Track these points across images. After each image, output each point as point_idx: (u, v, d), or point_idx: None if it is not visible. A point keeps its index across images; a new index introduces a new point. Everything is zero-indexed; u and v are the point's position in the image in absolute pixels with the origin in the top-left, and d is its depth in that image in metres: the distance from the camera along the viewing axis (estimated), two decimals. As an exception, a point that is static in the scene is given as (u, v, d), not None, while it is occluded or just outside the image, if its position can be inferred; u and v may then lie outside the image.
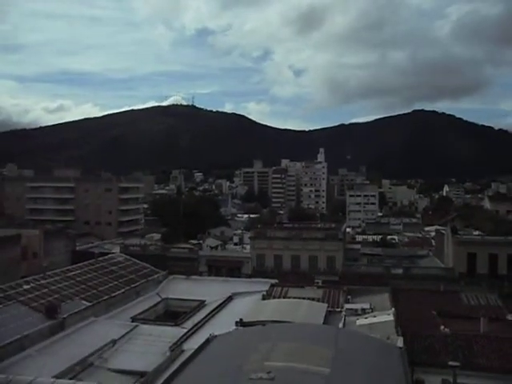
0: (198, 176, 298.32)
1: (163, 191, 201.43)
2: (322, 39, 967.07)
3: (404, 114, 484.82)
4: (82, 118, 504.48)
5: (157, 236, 69.61)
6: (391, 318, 22.26)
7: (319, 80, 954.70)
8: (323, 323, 21.82)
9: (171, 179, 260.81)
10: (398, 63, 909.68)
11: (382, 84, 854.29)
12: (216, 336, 16.87)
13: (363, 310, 24.79)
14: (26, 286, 24.35)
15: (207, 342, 16.41)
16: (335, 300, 27.16)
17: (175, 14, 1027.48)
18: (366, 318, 23.36)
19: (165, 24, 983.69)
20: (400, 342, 17.03)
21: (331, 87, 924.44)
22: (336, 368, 12.80)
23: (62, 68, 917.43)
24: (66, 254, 45.63)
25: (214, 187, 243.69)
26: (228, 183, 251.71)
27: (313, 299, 26.79)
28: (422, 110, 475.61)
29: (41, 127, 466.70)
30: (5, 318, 20.63)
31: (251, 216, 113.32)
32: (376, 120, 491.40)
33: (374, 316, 23.29)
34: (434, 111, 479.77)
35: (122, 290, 27.54)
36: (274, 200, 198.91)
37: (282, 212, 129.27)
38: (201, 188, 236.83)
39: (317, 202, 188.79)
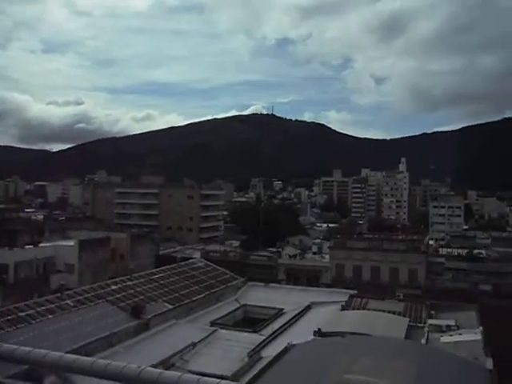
0: (277, 184, 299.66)
1: (243, 199, 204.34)
2: (406, 46, 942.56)
3: (493, 122, 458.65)
4: (167, 126, 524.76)
5: (236, 243, 70.61)
6: (479, 337, 21.04)
7: (401, 88, 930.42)
8: (404, 338, 21.07)
9: (251, 187, 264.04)
10: (487, 68, 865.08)
11: (469, 90, 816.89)
12: (294, 345, 16.79)
13: (448, 326, 23.59)
14: (114, 287, 25.55)
15: (285, 350, 16.38)
16: (417, 315, 26.06)
17: (256, 24, 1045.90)
18: (450, 335, 22.25)
19: (245, 35, 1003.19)
20: (489, 364, 16.09)
21: (414, 95, 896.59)
22: (419, 385, 12.31)
23: (149, 80, 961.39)
24: (150, 258, 47.35)
25: (292, 196, 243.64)
26: (307, 192, 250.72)
27: (393, 312, 25.91)
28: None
29: (129, 135, 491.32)
30: (95, 315, 21.79)
31: (330, 225, 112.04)
32: (462, 128, 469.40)
33: (460, 334, 22.13)
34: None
35: (203, 295, 28.14)
36: (353, 210, 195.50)
37: (361, 222, 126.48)
38: (280, 196, 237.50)
39: (398, 213, 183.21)
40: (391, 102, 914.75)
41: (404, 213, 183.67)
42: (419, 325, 24.18)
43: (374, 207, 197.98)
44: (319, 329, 22.06)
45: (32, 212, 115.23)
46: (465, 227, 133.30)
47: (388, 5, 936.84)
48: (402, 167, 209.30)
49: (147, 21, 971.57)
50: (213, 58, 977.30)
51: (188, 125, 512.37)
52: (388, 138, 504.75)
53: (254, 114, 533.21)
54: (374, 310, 26.59)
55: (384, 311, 25.93)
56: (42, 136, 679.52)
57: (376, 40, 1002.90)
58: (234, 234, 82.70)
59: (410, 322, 24.09)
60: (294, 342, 17.05)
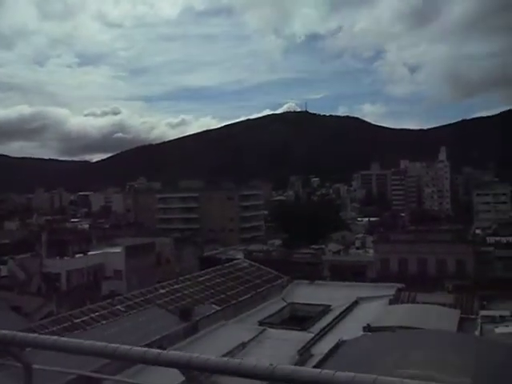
0: (315, 181, 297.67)
1: (281, 197, 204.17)
2: (439, 31, 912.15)
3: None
4: (202, 130, 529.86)
5: (278, 242, 70.70)
6: (537, 326, 20.44)
7: (437, 75, 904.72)
8: (457, 331, 20.62)
9: (289, 185, 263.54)
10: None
11: (508, 73, 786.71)
12: (345, 341, 16.68)
13: (502, 317, 22.94)
14: (162, 291, 26.08)
15: (336, 346, 16.30)
16: (469, 306, 25.46)
17: (284, 22, 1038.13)
18: (505, 326, 21.66)
19: (275, 33, 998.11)
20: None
21: (450, 81, 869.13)
22: (479, 380, 12.01)
23: (182, 85, 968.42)
24: (194, 260, 48.00)
25: (331, 191, 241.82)
26: (346, 187, 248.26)
27: (443, 305, 25.40)
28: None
29: (165, 141, 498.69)
30: (145, 319, 22.30)
31: (371, 219, 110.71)
32: (503, 112, 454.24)
33: (516, 324, 21.54)
34: None
35: (249, 295, 28.34)
36: (394, 203, 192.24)
37: (403, 214, 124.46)
38: (318, 193, 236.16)
39: (440, 204, 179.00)
40: (427, 91, 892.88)
41: (447, 203, 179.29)
42: (471, 316, 23.61)
43: (415, 199, 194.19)
44: (368, 324, 21.84)
45: (77, 222, 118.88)
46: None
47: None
48: (442, 156, 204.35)
49: (177, 27, 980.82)
50: (244, 59, 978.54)
51: (222, 127, 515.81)
52: (425, 128, 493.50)
53: (287, 111, 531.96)
54: (423, 303, 26.16)
55: (433, 304, 25.47)
56: (82, 147, 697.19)
57: (408, 28, 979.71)
58: (276, 233, 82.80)
59: (461, 313, 23.57)
60: (344, 338, 16.94)
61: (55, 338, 2.92)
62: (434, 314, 22.98)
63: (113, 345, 2.64)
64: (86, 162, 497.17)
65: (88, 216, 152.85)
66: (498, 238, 68.68)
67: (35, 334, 2.98)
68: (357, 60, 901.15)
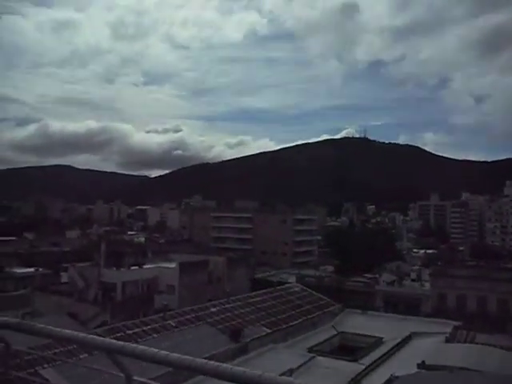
0: (371, 209, 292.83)
1: (335, 223, 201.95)
2: (508, 60, 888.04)
3: None
4: (259, 151, 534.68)
5: (330, 268, 69.70)
6: None
7: (504, 105, 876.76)
8: (518, 376, 19.43)
9: (343, 211, 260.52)
10: None
11: None
12: (398, 377, 16.10)
13: None
14: (213, 309, 26.12)
15: (389, 382, 15.76)
16: (532, 351, 24.01)
17: (347, 48, 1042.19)
18: None
19: (337, 59, 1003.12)
20: None
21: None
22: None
23: (242, 107, 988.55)
24: (245, 281, 47.94)
25: (387, 220, 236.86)
26: (402, 217, 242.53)
27: (505, 348, 24.06)
28: None
29: (223, 161, 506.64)
30: (195, 336, 22.38)
31: (428, 251, 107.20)
32: None
33: None
34: None
35: (300, 320, 27.91)
36: (452, 236, 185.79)
37: (462, 248, 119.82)
38: (373, 220, 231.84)
39: (503, 239, 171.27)
40: (492, 122, 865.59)
41: (510, 239, 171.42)
42: (535, 362, 22.24)
43: (476, 233, 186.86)
44: (423, 361, 20.94)
45: (134, 235, 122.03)
46: None
47: (489, 20, 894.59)
48: (508, 190, 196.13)
49: (240, 50, 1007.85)
50: (304, 84, 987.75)
51: (279, 150, 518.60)
52: (489, 160, 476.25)
53: (345, 137, 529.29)
54: (483, 344, 24.87)
55: (494, 346, 24.16)
56: (142, 162, 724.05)
57: (475, 57, 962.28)
58: (328, 259, 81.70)
59: (525, 358, 22.23)
60: (396, 374, 16.35)
61: (157, 351, 3.01)
62: (494, 357, 21.77)
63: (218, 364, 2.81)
64: (145, 177, 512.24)
65: (144, 230, 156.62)
66: None
67: (144, 346, 3.07)
68: (420, 88, 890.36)
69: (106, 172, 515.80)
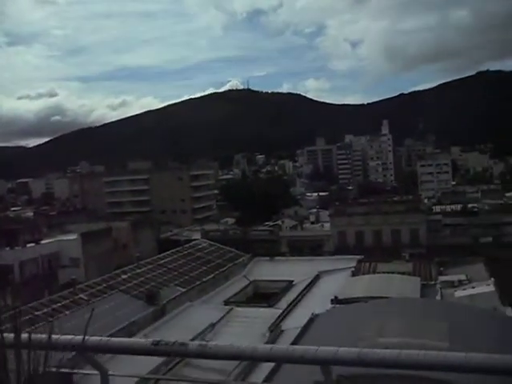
0: (260, 158, 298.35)
1: (228, 176, 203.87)
2: (378, 7, 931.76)
3: (469, 77, 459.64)
4: (144, 110, 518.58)
5: (231, 220, 70.61)
6: (492, 288, 21.38)
7: (376, 50, 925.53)
8: (420, 297, 21.28)
9: (234, 164, 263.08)
10: (461, 22, 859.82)
11: (444, 47, 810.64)
12: (318, 315, 16.77)
13: (460, 281, 23.92)
14: (124, 276, 25.43)
15: (311, 320, 16.35)
16: (427, 273, 26.42)
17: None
18: (464, 289, 22.56)
19: (216, 10, 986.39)
20: (510, 312, 16.35)
21: (389, 56, 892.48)
22: (455, 342, 12.39)
23: (121, 65, 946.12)
24: (152, 243, 47.14)
25: (277, 168, 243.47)
26: (291, 163, 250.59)
27: (403, 273, 26.18)
28: (487, 71, 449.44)
29: (106, 124, 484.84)
30: (111, 306, 21.67)
31: (321, 194, 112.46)
32: (438, 86, 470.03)
33: (473, 287, 22.45)
34: (500, 71, 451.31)
35: (212, 275, 28.15)
36: (340, 177, 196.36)
37: (350, 188, 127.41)
38: (264, 170, 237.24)
39: (385, 176, 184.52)
40: (368, 66, 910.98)
41: (391, 175, 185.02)
42: (431, 282, 24.48)
43: (361, 172, 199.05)
44: (336, 296, 22.13)
45: (19, 210, 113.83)
46: (453, 183, 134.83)
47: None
48: (385, 129, 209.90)
49: (113, 5, 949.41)
50: (185, 37, 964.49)
51: (165, 107, 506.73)
52: (365, 103, 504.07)
53: (230, 90, 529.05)
54: (384, 272, 26.85)
55: (394, 273, 26.18)
56: (16, 132, 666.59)
57: (349, 4, 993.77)
58: (228, 212, 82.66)
59: (421, 280, 24.36)
60: (315, 312, 17.03)
61: (127, 339, 2.62)
62: (396, 283, 23.60)
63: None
64: (22, 148, 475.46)
65: (30, 204, 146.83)
66: (442, 207, 71.64)
67: (108, 338, 2.64)
68: (299, 36, 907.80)
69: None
